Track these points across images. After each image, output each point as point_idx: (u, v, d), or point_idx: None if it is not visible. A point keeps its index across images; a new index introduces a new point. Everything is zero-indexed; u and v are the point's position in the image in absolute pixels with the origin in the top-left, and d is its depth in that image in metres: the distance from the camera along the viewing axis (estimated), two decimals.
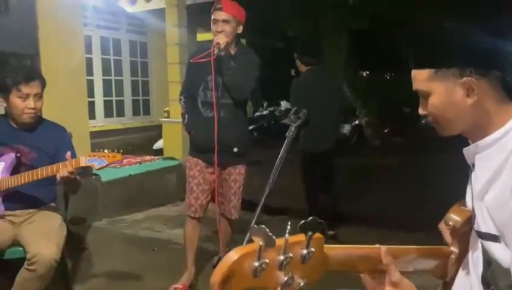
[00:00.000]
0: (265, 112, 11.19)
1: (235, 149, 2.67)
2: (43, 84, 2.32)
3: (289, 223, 0.69)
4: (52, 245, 2.08)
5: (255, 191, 4.02)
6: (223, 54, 2.51)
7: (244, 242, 1.13)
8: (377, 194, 5.01)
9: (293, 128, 1.26)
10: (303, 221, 0.70)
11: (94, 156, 2.12)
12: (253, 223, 1.22)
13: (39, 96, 2.28)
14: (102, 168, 2.12)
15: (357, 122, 9.52)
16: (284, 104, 10.69)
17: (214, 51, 2.50)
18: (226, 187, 2.76)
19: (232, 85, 2.56)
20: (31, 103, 2.23)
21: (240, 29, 2.64)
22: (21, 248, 2.16)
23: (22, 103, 2.23)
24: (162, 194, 4.91)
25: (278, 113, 10.55)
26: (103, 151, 2.12)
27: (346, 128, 9.37)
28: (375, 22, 8.14)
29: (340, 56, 8.64)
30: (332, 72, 5.19)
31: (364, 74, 12.47)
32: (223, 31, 2.54)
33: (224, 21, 2.56)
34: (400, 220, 3.89)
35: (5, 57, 3.42)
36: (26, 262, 2.05)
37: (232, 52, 2.64)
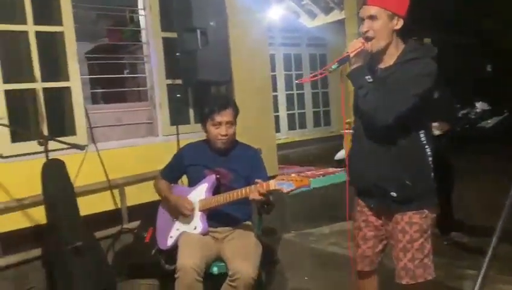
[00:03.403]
0: (458, 115, 10.04)
1: (393, 194, 1.94)
2: (236, 112, 2.50)
3: None
4: (250, 265, 2.21)
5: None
6: (337, 68, 1.95)
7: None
8: None
9: None
10: None
11: (283, 179, 2.17)
12: (488, 257, 0.99)
13: (231, 123, 2.46)
14: (290, 191, 2.16)
15: None
16: (479, 106, 9.43)
17: (329, 68, 1.96)
18: (395, 239, 2.01)
19: (363, 108, 1.95)
20: (222, 130, 2.44)
21: (398, 24, 1.92)
22: (223, 264, 2.36)
23: (215, 130, 2.45)
24: (346, 208, 4.81)
25: (473, 116, 9.34)
26: (291, 175, 2.16)
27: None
28: None
29: None
30: None
31: None
32: (368, 31, 1.93)
33: (371, 17, 1.92)
34: None
35: (206, 85, 3.89)
36: (228, 278, 2.22)
37: (392, 59, 1.95)
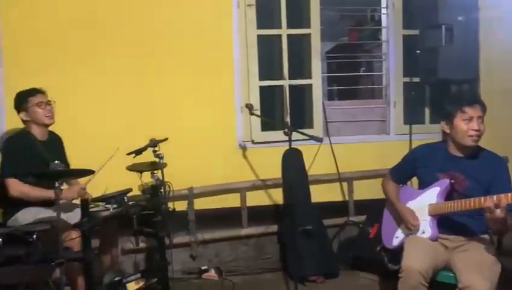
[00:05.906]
0: None
1: None
2: (484, 109, 2.30)
3: None
4: (485, 281, 2.00)
5: None
6: None
7: None
8: None
9: None
10: None
11: None
12: None
13: (481, 119, 2.28)
14: None
15: None
16: None
17: None
18: None
19: None
20: (474, 125, 2.25)
21: None
22: (452, 274, 2.20)
23: (466, 125, 2.27)
24: None
25: None
26: None
27: None
28: None
29: None
30: None
31: None
32: None
33: None
34: None
35: (447, 84, 3.65)
36: None
37: None
